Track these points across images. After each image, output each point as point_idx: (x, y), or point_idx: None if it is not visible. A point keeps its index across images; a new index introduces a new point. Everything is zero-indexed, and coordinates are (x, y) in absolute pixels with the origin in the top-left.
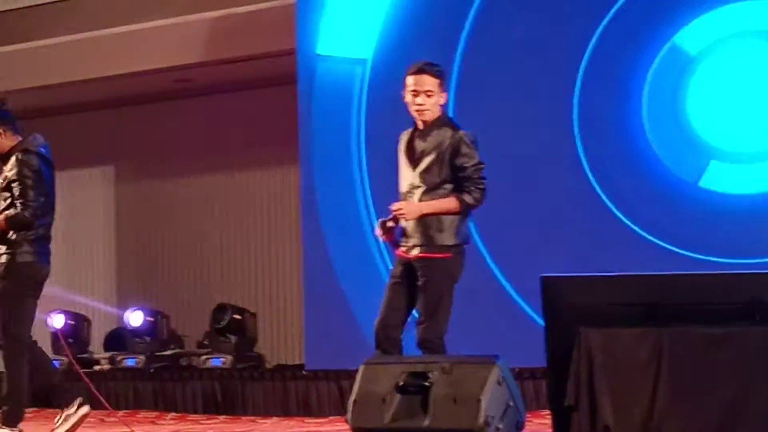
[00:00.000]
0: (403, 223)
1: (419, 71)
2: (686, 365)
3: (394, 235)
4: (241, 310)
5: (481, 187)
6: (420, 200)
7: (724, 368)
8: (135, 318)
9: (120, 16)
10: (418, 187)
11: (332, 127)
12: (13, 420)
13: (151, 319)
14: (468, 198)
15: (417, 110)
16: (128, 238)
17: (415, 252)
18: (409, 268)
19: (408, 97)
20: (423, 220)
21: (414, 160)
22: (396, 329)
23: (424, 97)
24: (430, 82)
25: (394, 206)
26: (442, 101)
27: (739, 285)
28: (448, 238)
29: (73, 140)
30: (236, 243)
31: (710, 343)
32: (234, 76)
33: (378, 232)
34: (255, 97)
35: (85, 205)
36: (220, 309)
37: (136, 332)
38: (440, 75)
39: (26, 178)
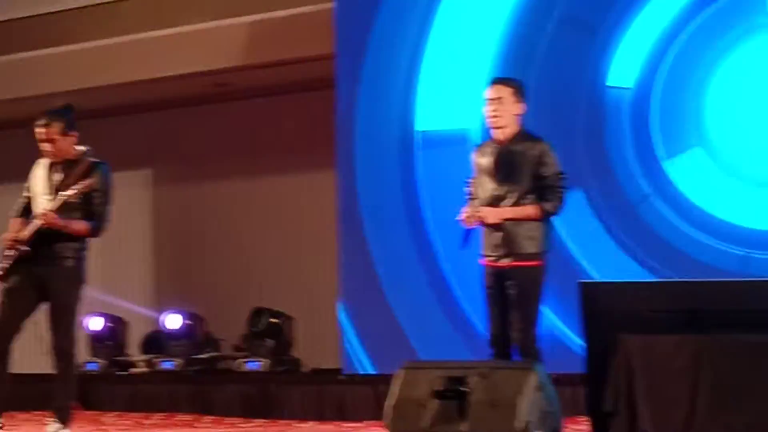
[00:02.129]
0: (488, 236)
1: (493, 82)
2: (726, 373)
3: (470, 234)
4: (278, 314)
5: (560, 195)
6: None
7: (765, 376)
8: (172, 321)
9: (158, 20)
10: (503, 198)
11: (372, 131)
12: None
13: (189, 322)
14: (548, 206)
15: (490, 116)
16: (166, 242)
17: (506, 261)
18: (498, 276)
19: (485, 108)
20: (512, 230)
21: (498, 172)
22: (508, 338)
23: (497, 105)
24: (502, 91)
25: (478, 211)
26: (518, 111)
27: None
28: (536, 246)
29: (111, 143)
30: (273, 246)
31: (751, 350)
32: (272, 80)
33: (467, 215)
34: (293, 101)
35: (123, 209)
36: (258, 313)
37: (173, 335)
38: (514, 85)
39: (108, 194)
